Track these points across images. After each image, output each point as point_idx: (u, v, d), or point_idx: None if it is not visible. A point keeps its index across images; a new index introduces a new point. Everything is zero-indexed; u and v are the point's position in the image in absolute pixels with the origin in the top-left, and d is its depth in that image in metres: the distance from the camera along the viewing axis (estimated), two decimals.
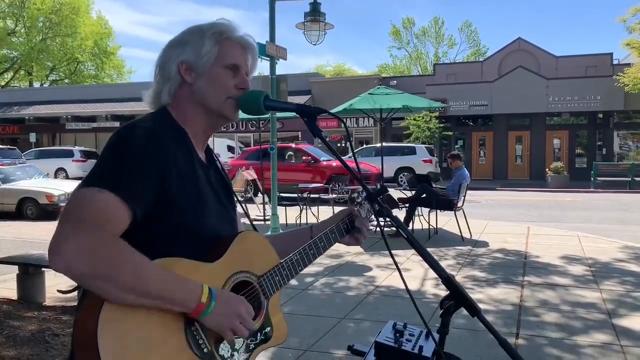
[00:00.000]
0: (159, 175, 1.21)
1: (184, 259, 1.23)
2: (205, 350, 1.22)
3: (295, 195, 11.03)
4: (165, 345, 1.17)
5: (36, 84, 42.36)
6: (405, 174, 20.24)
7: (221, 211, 1.41)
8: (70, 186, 12.94)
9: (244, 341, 1.32)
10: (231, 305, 1.23)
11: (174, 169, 1.25)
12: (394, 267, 1.39)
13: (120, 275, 1.09)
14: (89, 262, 1.08)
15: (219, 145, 26.48)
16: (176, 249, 1.24)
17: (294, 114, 1.44)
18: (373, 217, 1.55)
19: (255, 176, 13.08)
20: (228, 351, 1.28)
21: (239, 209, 1.58)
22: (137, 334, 1.13)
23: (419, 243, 1.33)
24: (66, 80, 43.01)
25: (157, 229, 1.25)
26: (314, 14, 9.57)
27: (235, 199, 1.56)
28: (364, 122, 25.44)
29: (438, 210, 8.71)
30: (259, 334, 1.37)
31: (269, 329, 1.41)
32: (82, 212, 1.12)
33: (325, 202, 11.53)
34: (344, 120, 1.49)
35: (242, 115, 1.44)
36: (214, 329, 1.22)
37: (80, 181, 1.23)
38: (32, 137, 27.71)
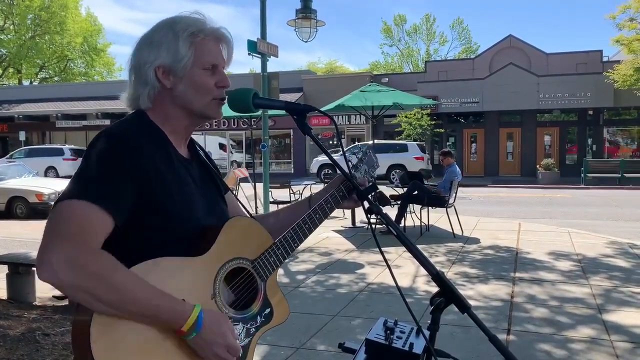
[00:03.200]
0: (135, 184, 1.21)
1: (170, 257, 1.22)
2: None
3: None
4: (163, 344, 1.17)
5: (25, 82, 41.96)
6: (397, 171, 20.31)
7: (208, 205, 1.40)
8: (61, 185, 12.85)
9: (243, 326, 1.33)
10: (216, 336, 1.20)
11: (153, 176, 1.24)
12: (385, 264, 1.40)
13: (103, 292, 1.09)
14: (73, 272, 1.07)
15: (211, 143, 26.37)
16: (167, 251, 1.23)
17: (285, 111, 1.43)
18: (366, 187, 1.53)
19: (247, 174, 13.04)
20: None
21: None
22: (133, 335, 1.13)
23: (408, 240, 1.33)
24: (56, 78, 42.64)
25: (147, 235, 1.25)
26: (305, 11, 9.55)
27: (231, 190, 1.56)
28: (355, 119, 25.45)
29: (430, 207, 8.74)
30: (258, 317, 1.38)
31: (268, 310, 1.41)
32: (62, 224, 1.12)
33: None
34: (333, 117, 1.48)
35: (232, 113, 1.44)
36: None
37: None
38: (22, 136, 27.48)
